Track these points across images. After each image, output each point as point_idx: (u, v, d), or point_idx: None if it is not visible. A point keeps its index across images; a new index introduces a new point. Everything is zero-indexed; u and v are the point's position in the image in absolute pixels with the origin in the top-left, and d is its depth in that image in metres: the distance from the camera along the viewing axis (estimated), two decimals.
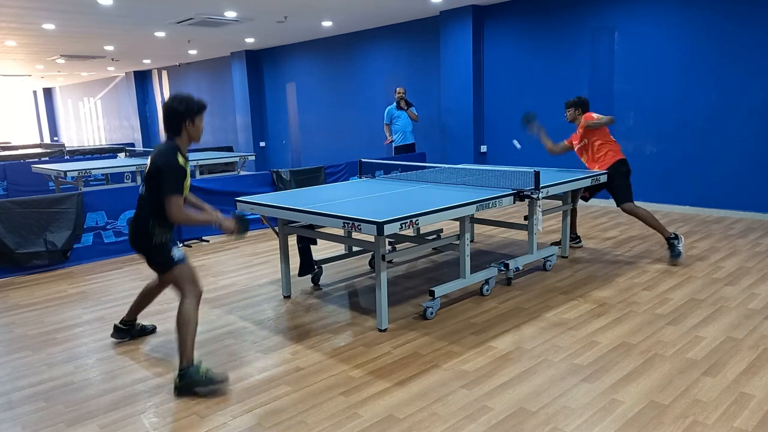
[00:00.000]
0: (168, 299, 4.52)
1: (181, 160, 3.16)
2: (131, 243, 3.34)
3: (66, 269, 5.69)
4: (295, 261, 4.88)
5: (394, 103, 9.14)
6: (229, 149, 13.22)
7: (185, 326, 3.12)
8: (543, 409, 2.77)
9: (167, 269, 3.26)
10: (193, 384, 3.05)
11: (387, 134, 9.32)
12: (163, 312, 4.34)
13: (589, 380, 3.04)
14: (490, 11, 9.05)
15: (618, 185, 5.28)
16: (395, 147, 9.30)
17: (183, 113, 3.15)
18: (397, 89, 9.13)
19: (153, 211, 3.19)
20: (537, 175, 4.30)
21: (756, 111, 6.73)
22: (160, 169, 3.11)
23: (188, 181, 3.26)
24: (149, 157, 3.24)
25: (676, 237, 5.12)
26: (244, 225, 3.36)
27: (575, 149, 5.61)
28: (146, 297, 3.78)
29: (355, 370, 3.26)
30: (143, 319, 4.05)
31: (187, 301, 3.20)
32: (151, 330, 3.99)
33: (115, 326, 3.85)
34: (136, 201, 3.35)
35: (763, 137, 6.72)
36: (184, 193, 3.22)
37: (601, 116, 5.23)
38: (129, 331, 3.86)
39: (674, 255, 5.10)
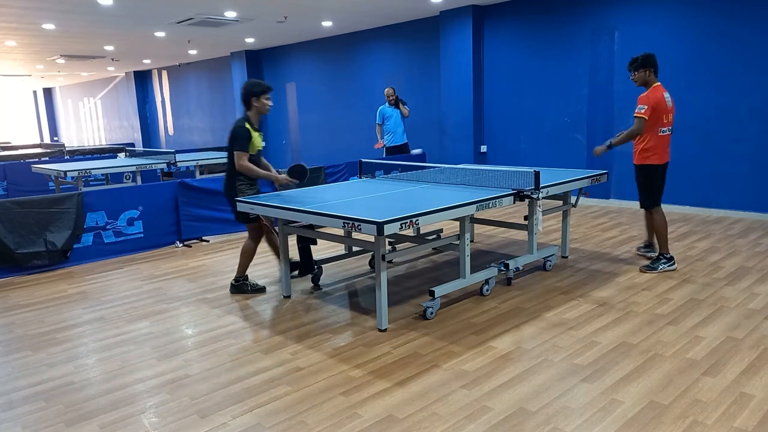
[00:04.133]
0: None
1: (248, 125, 4.38)
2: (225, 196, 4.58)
3: (66, 269, 5.69)
4: (295, 261, 4.88)
5: (386, 103, 8.91)
6: None
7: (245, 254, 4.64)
8: (543, 409, 2.77)
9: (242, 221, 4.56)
10: (243, 290, 4.68)
11: (378, 136, 9.08)
12: (163, 312, 4.35)
13: (589, 380, 3.04)
14: (490, 11, 9.05)
15: (642, 184, 4.92)
16: (387, 148, 9.07)
17: (252, 92, 4.39)
18: (386, 90, 8.89)
19: (233, 171, 4.42)
20: (537, 175, 4.30)
21: (756, 111, 6.73)
22: (232, 134, 4.39)
23: (258, 143, 4.46)
24: None
25: (668, 259, 4.87)
26: (299, 173, 4.50)
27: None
28: (271, 241, 4.78)
29: (355, 370, 3.26)
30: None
31: (250, 240, 4.63)
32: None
33: (231, 284, 4.76)
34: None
35: (763, 137, 6.72)
36: (251, 150, 4.40)
37: (637, 120, 4.71)
38: (241, 287, 4.72)
39: (650, 267, 4.88)
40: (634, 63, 4.89)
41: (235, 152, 4.36)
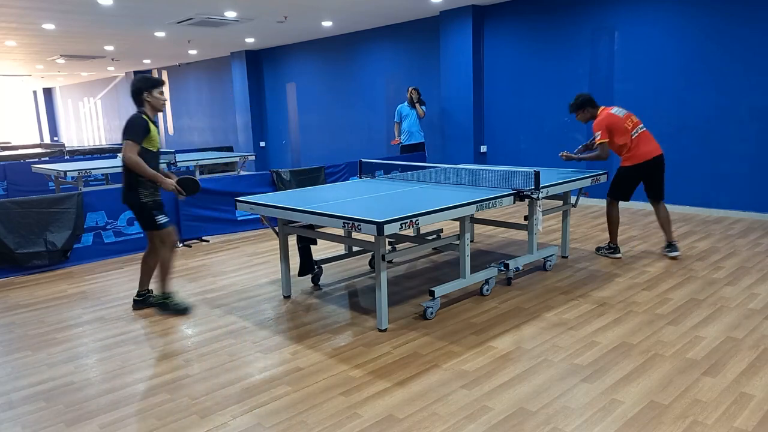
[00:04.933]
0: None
1: (145, 117, 4.02)
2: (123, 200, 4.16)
3: (66, 269, 5.69)
4: (295, 261, 4.88)
5: (406, 102, 9.25)
6: (229, 149, 13.22)
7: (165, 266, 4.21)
8: (543, 409, 2.77)
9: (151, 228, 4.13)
10: (165, 306, 4.25)
11: (396, 133, 9.39)
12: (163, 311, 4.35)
13: (589, 380, 3.04)
14: (490, 11, 9.05)
15: (615, 179, 5.33)
16: (402, 146, 9.41)
17: (142, 88, 4.04)
18: (410, 89, 9.21)
19: (134, 175, 4.01)
20: (537, 175, 4.30)
21: (756, 111, 6.73)
22: (126, 123, 3.99)
23: (157, 140, 4.09)
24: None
25: (617, 249, 5.37)
26: (188, 186, 4.16)
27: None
28: (149, 262, 4.38)
29: (355, 370, 3.26)
30: None
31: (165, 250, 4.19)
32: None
33: (134, 298, 4.46)
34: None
35: (763, 137, 6.72)
36: (149, 146, 4.02)
37: (599, 146, 5.10)
38: (143, 302, 4.44)
39: (601, 251, 5.48)
40: (573, 106, 5.33)
41: (124, 141, 3.93)
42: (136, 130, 3.95)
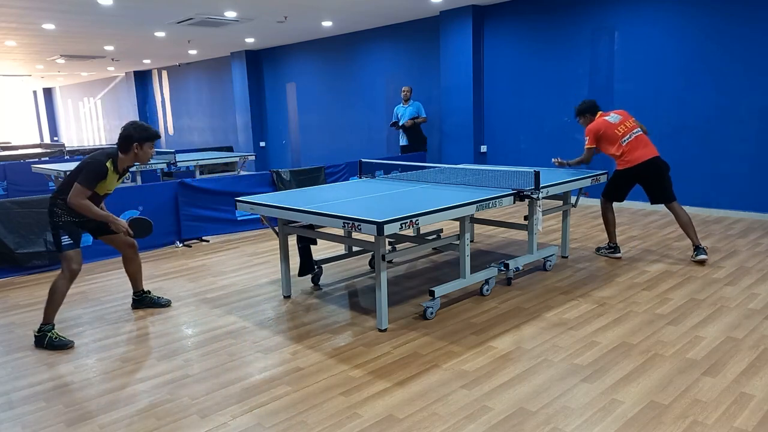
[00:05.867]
0: (173, 303, 4.53)
1: (109, 164, 3.78)
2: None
3: None
4: (295, 261, 4.88)
5: (401, 102, 9.52)
6: (229, 149, 13.22)
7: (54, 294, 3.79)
8: (543, 409, 2.77)
9: (59, 251, 3.81)
10: (46, 340, 3.73)
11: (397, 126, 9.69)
12: (163, 312, 4.35)
13: (589, 380, 3.04)
14: (490, 11, 9.05)
15: (610, 181, 5.38)
16: (401, 147, 9.66)
17: (134, 138, 3.80)
18: (404, 88, 9.50)
19: (61, 194, 3.78)
20: (537, 175, 4.30)
21: (756, 111, 6.73)
22: (82, 163, 3.78)
23: (111, 186, 3.91)
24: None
25: (616, 248, 5.42)
26: (140, 227, 4.01)
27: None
28: (129, 269, 4.32)
29: (355, 370, 3.26)
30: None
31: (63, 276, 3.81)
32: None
33: (132, 298, 4.42)
34: (103, 198, 4.02)
35: (763, 137, 6.72)
36: (99, 191, 3.84)
37: (585, 150, 5.30)
38: (142, 301, 4.41)
39: (600, 250, 5.52)
40: (576, 111, 5.47)
41: (75, 183, 3.69)
42: (91, 176, 3.72)
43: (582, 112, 5.39)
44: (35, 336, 3.78)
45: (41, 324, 3.78)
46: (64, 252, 3.79)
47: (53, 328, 3.79)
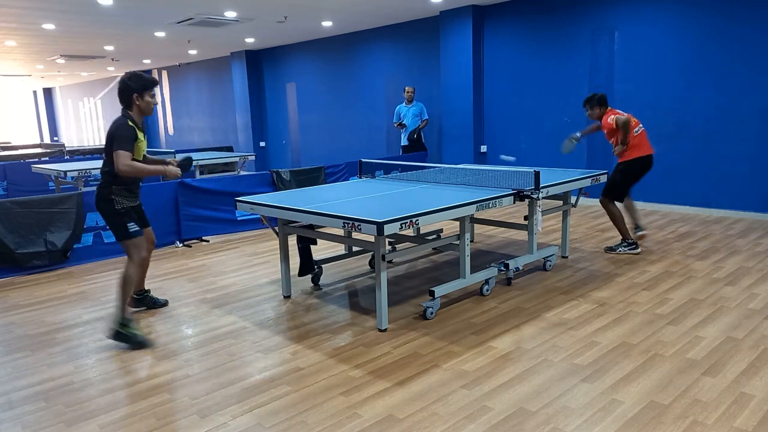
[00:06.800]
0: (172, 302, 4.53)
1: (131, 123, 3.70)
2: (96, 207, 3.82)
3: (66, 269, 5.69)
4: (295, 261, 4.88)
5: (404, 102, 9.58)
6: (229, 149, 13.21)
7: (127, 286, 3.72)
8: (543, 409, 2.77)
9: (120, 239, 3.77)
10: (122, 338, 3.66)
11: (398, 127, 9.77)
12: (163, 312, 4.35)
13: (589, 380, 3.04)
14: (490, 11, 9.05)
15: (615, 177, 5.44)
16: (402, 147, 9.72)
17: (132, 88, 3.70)
18: (406, 88, 9.54)
19: (112, 179, 3.71)
20: (537, 175, 4.30)
21: (756, 111, 6.73)
22: (111, 131, 3.65)
23: (142, 149, 3.79)
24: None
25: (633, 244, 5.50)
26: (185, 166, 4.01)
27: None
28: (141, 266, 4.10)
29: (355, 370, 3.26)
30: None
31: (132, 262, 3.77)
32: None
33: (133, 297, 4.24)
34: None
35: (763, 137, 6.72)
36: (136, 155, 3.73)
37: (622, 132, 5.32)
38: (143, 300, 4.35)
39: (612, 248, 5.56)
40: (592, 100, 5.48)
41: (115, 152, 3.58)
42: (126, 139, 3.62)
43: (601, 102, 5.44)
44: (116, 332, 3.64)
45: (119, 319, 3.66)
46: (133, 238, 3.74)
47: (133, 321, 3.76)
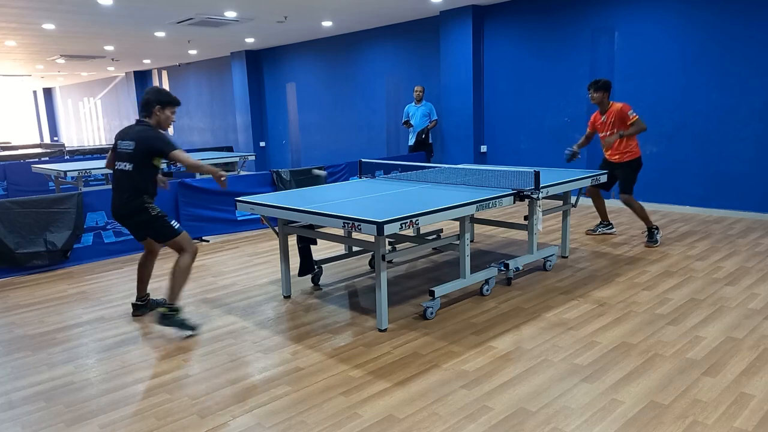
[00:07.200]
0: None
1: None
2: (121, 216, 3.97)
3: (66, 269, 5.69)
4: (295, 261, 4.88)
5: (414, 101, 9.60)
6: (229, 149, 13.22)
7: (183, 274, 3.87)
8: (543, 409, 2.77)
9: (170, 237, 3.89)
10: (172, 322, 3.80)
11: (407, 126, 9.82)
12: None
13: (589, 380, 3.04)
14: (490, 11, 9.05)
15: (628, 175, 5.77)
16: (409, 146, 9.75)
17: (157, 101, 3.90)
18: (416, 87, 9.56)
19: (143, 186, 3.88)
20: (537, 175, 4.30)
21: (756, 111, 6.73)
22: (148, 140, 3.84)
23: (159, 161, 3.96)
24: (124, 140, 3.92)
25: (657, 228, 5.83)
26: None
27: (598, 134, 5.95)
28: (146, 270, 4.27)
29: (355, 370, 3.26)
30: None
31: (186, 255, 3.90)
32: (162, 303, 4.19)
33: (133, 304, 4.31)
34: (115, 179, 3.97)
35: (763, 137, 6.72)
36: (156, 164, 3.94)
37: (636, 120, 5.62)
38: (145, 306, 4.31)
39: (652, 241, 5.76)
40: (600, 84, 5.71)
41: (171, 153, 3.81)
42: (169, 140, 3.90)
43: (607, 87, 5.69)
44: (162, 314, 3.77)
45: (167, 304, 3.82)
46: (182, 233, 3.92)
47: (180, 309, 3.87)
